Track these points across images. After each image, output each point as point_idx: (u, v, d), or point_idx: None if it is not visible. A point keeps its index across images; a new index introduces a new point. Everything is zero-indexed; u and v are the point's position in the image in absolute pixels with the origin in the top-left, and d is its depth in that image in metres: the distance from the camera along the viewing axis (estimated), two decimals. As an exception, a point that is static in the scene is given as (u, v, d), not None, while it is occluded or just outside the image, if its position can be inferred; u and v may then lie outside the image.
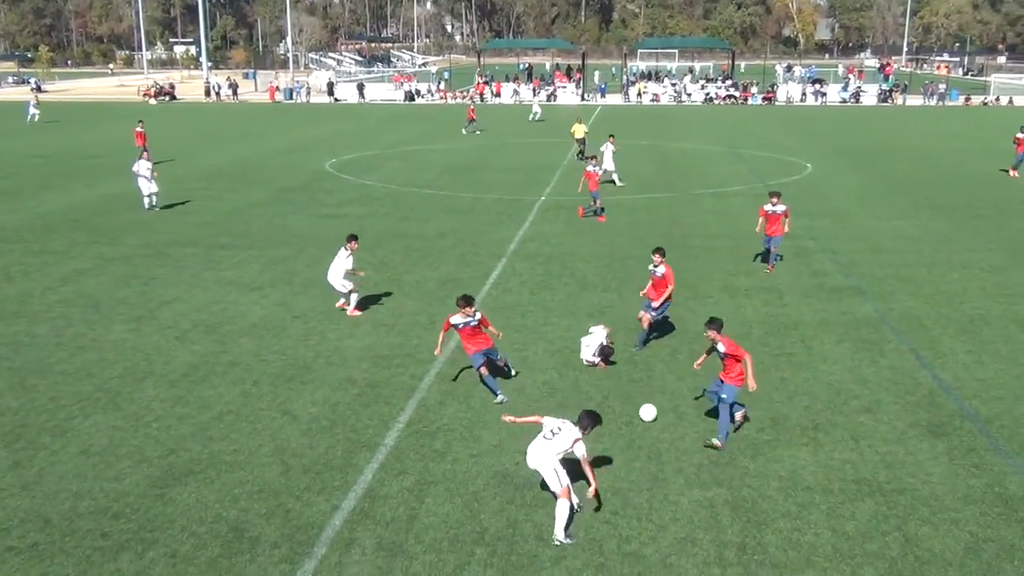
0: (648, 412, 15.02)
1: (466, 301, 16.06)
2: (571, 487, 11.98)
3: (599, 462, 13.81)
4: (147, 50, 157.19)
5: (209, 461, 13.76)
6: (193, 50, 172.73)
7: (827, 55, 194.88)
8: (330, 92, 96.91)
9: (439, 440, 14.57)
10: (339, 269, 20.83)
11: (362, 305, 21.43)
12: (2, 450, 14.01)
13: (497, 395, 15.99)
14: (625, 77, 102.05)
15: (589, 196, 32.37)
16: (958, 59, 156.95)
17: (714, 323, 14.54)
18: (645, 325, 18.91)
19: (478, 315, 16.23)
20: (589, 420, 12.29)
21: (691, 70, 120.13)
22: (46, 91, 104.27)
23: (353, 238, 21.02)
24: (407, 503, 12.58)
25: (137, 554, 11.26)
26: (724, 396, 14.35)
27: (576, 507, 12.14)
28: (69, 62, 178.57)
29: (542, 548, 11.49)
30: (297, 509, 12.38)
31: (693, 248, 28.06)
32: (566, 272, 25.27)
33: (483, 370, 16.13)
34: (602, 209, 32.63)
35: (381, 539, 11.69)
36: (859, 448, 14.30)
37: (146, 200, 33.37)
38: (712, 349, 14.66)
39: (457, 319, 16.12)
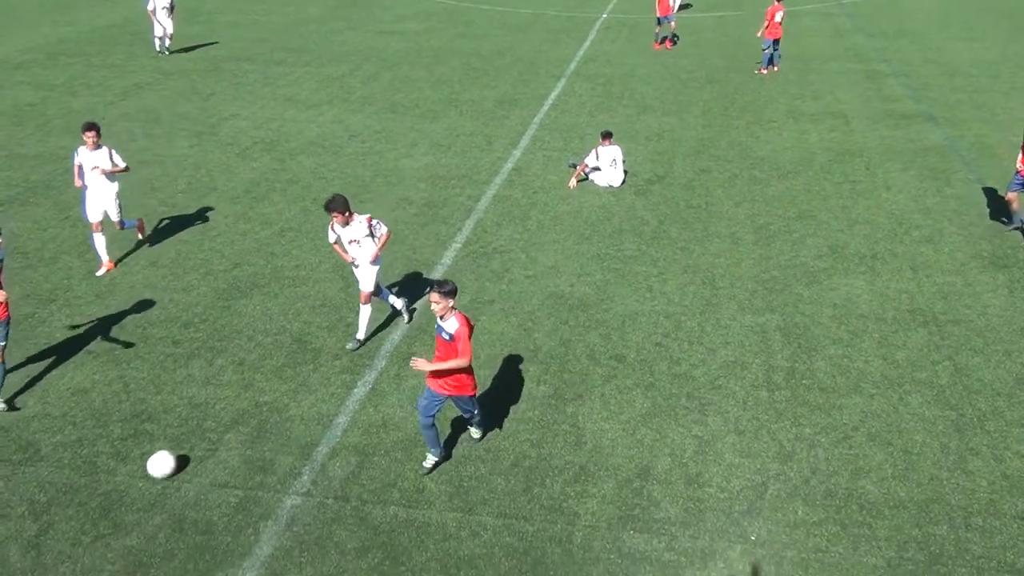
0: (158, 466, 9.65)
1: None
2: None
3: (654, 286, 13.95)
4: None
5: (272, 275, 14.16)
6: None
7: None
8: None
9: (495, 261, 14.77)
10: None
11: (417, 124, 21.30)
12: (75, 259, 14.54)
13: None
14: None
15: (660, 20, 29.91)
16: None
17: (444, 286, 9.18)
18: None
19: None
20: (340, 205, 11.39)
21: None
22: None
23: None
24: (463, 320, 12.90)
25: (207, 361, 11.81)
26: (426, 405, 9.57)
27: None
28: None
29: (593, 367, 11.81)
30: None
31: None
32: (626, 93, 24.72)
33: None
34: (675, 36, 31.00)
35: (438, 354, 12.07)
36: (917, 278, 14.19)
37: (157, 42, 28.72)
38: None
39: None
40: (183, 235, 15.53)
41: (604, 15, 36.32)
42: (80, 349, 11.99)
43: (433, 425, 9.61)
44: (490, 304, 13.39)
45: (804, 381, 11.57)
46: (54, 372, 11.45)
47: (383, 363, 11.86)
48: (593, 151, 17.90)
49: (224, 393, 11.13)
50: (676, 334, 12.66)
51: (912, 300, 13.55)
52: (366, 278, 12.02)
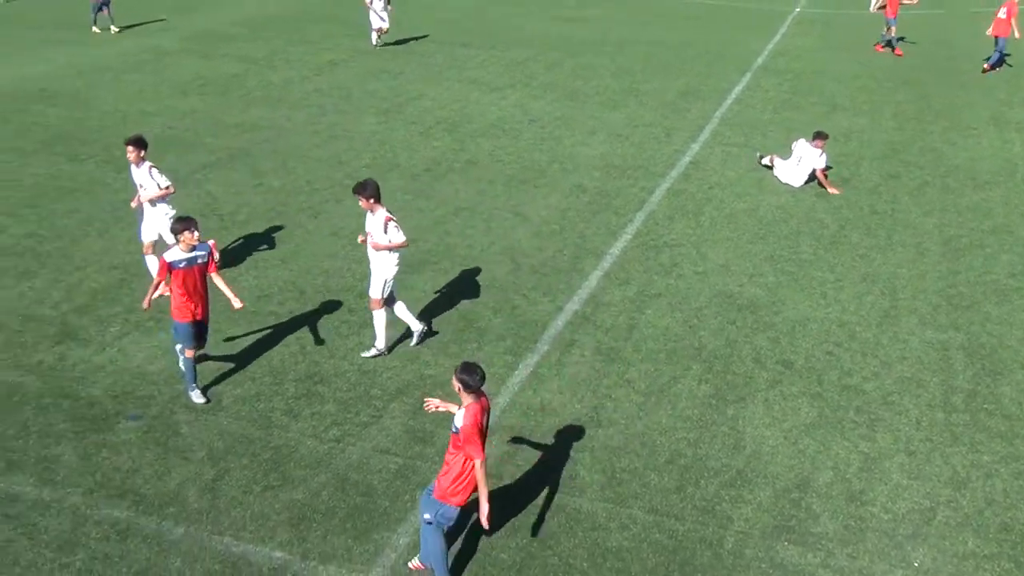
0: None
1: None
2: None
3: (829, 293, 13.49)
4: None
5: (444, 253, 14.52)
6: None
7: None
8: None
9: (665, 254, 14.63)
10: None
11: (596, 112, 21.29)
12: (264, 225, 15.36)
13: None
14: None
15: (889, 22, 27.55)
16: None
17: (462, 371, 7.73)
18: None
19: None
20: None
21: None
22: None
23: None
24: (628, 312, 12.87)
25: (378, 331, 12.25)
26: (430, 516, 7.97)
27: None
28: None
29: (759, 371, 11.53)
30: (523, 307, 12.96)
31: (961, 74, 25.65)
32: (815, 91, 23.89)
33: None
34: (900, 39, 28.49)
35: (600, 344, 12.09)
36: (1123, 306, 13.13)
37: (374, 36, 27.50)
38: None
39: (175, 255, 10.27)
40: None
41: (797, 9, 35.17)
42: (264, 310, 12.68)
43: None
44: (656, 298, 13.28)
45: (986, 405, 10.93)
46: (238, 329, 12.15)
47: (546, 347, 11.97)
48: (799, 143, 17.47)
49: (391, 363, 11.53)
50: (849, 344, 12.20)
51: (1116, 330, 12.54)
52: (372, 280, 11.37)
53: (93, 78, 23.31)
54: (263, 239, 14.82)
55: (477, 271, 13.95)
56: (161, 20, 29.87)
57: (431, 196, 16.73)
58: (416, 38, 28.93)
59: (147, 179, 12.49)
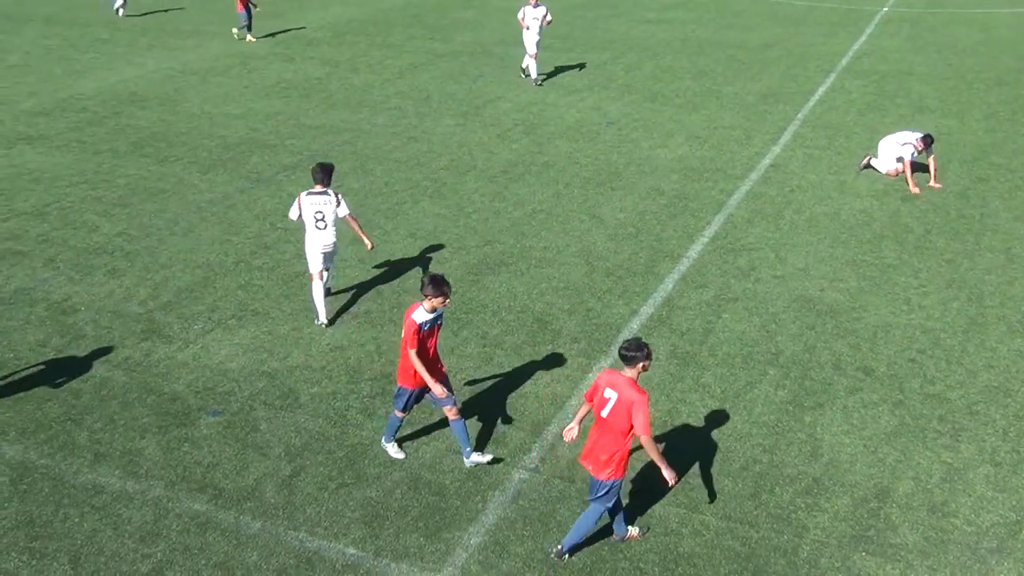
0: None
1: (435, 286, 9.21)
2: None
3: (913, 299, 13.14)
4: None
5: (520, 255, 14.57)
6: None
7: None
8: None
9: (743, 258, 14.43)
10: None
11: (675, 115, 21.10)
12: (343, 226, 15.60)
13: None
14: None
15: None
16: None
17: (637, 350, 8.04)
18: None
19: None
20: (322, 173, 12.17)
21: None
22: None
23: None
24: (704, 316, 12.73)
25: (452, 332, 12.34)
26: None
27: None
28: None
29: (838, 377, 11.29)
30: (597, 309, 12.92)
31: (1058, 73, 24.73)
32: (901, 92, 23.30)
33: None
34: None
35: (675, 347, 11.98)
36: None
37: (528, 62, 25.11)
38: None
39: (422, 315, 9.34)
40: (441, 210, 16.27)
41: (885, 8, 34.35)
42: (343, 309, 12.88)
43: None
44: (734, 302, 13.11)
45: (1078, 417, 10.51)
46: (316, 328, 12.37)
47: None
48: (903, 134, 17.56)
49: (466, 364, 11.61)
50: (933, 351, 11.86)
51: None
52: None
53: (181, 82, 24.00)
54: (343, 239, 15.04)
55: (552, 273, 13.96)
56: (236, 24, 30.62)
57: (508, 198, 16.79)
58: (496, 42, 29.06)
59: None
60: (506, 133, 20.32)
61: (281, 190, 17.00)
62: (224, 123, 20.71)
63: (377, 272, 14.00)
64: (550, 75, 25.02)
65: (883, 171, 17.47)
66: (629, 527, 8.82)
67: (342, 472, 9.65)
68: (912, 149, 16.92)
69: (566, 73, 25.33)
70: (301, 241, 12.72)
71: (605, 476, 8.13)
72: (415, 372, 9.27)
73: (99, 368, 11.42)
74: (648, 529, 8.90)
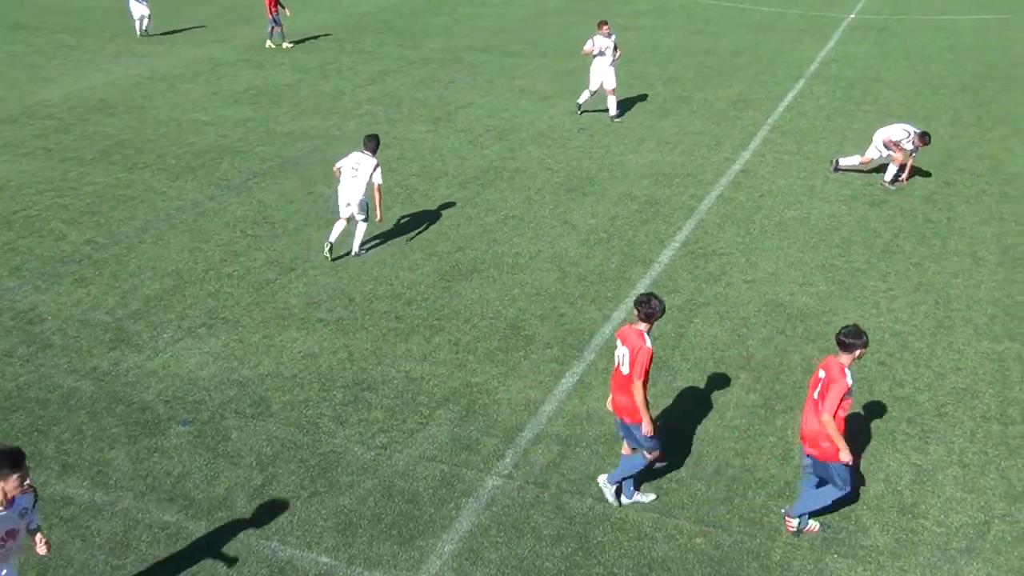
0: None
1: None
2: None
3: (881, 302, 13.27)
4: None
5: (492, 261, 14.56)
6: None
7: None
8: None
9: (713, 263, 14.51)
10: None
11: (646, 120, 21.19)
12: (315, 233, 15.53)
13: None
14: None
15: None
16: None
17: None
18: None
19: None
20: (372, 142, 14.24)
21: None
22: None
23: None
24: (675, 321, 12.78)
25: (425, 338, 12.31)
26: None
27: None
28: None
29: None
30: (570, 315, 12.94)
31: (1021, 80, 25.09)
32: (868, 98, 23.56)
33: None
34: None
35: (648, 352, 12.00)
36: None
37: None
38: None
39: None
40: (413, 216, 16.24)
41: (852, 15, 34.73)
42: (313, 317, 12.82)
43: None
44: (704, 307, 13.18)
45: (1044, 418, 10.65)
46: (287, 336, 12.30)
47: (592, 356, 11.93)
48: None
49: (438, 371, 11.58)
50: (901, 354, 11.99)
51: None
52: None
53: (150, 88, 23.81)
54: (315, 246, 14.99)
55: (525, 279, 13.96)
56: (205, 29, 30.41)
57: (479, 204, 16.79)
58: (467, 48, 29.08)
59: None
60: (477, 139, 20.33)
61: (251, 197, 16.89)
62: (193, 130, 20.56)
63: (349, 279, 13.94)
64: (522, 82, 25.06)
65: (860, 160, 17.72)
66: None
67: (314, 480, 9.59)
68: (912, 145, 17.23)
69: (537, 79, 25.39)
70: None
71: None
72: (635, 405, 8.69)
73: (67, 378, 11.29)
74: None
